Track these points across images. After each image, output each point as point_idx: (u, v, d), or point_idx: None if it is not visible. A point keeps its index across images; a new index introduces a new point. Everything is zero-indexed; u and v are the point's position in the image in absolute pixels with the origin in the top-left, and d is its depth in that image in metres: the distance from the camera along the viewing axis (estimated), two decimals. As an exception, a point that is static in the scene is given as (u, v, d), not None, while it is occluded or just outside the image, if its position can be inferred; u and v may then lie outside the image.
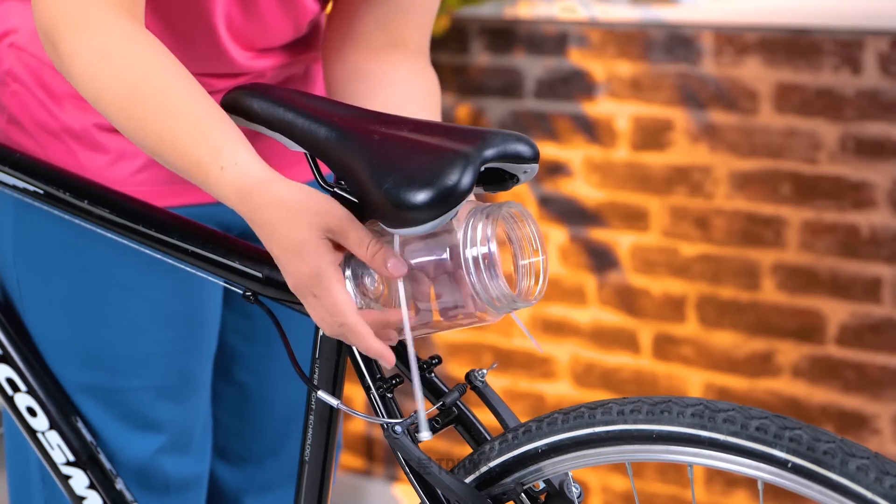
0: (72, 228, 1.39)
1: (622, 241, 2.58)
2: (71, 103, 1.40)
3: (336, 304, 1.14)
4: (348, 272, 1.16)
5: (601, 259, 2.60)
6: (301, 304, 1.28)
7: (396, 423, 1.17)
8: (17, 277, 1.46)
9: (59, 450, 1.44)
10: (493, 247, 1.11)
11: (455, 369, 2.73)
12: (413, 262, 1.14)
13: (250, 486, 1.65)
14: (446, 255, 1.13)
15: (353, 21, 1.41)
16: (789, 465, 1.03)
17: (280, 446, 1.63)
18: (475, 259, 1.11)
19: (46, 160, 1.41)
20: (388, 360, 1.15)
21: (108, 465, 1.46)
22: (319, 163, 1.21)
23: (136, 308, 1.44)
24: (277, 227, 1.14)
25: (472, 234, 1.11)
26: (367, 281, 1.16)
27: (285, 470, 1.62)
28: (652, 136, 2.53)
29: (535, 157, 1.15)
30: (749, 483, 2.51)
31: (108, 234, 1.37)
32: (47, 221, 1.41)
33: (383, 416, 1.21)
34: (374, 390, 1.21)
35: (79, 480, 1.45)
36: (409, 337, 1.13)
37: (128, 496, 1.46)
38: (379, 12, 1.40)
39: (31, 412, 1.45)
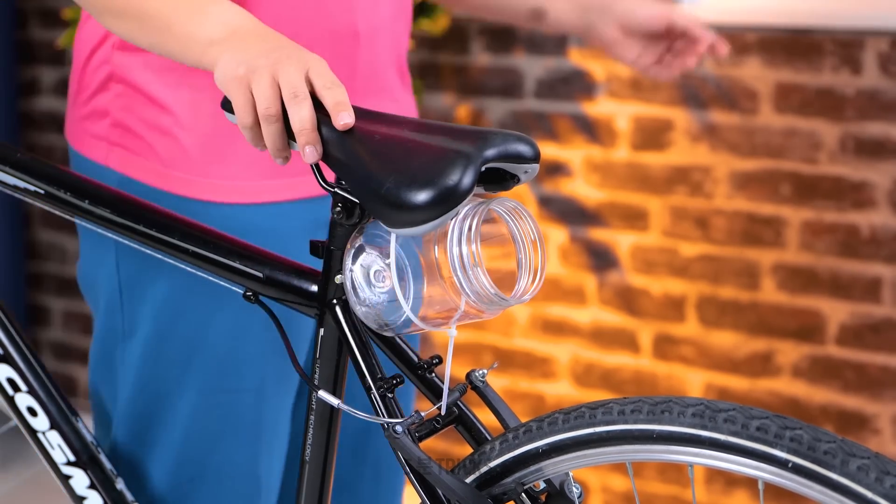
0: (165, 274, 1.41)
1: (622, 241, 2.58)
2: (175, 108, 1.41)
3: (315, 63, 1.16)
4: (357, 263, 1.17)
5: (601, 259, 2.60)
6: (302, 305, 1.28)
7: (397, 423, 1.17)
8: (119, 282, 1.47)
9: (59, 450, 1.44)
10: (476, 246, 1.11)
11: (455, 369, 2.73)
12: (408, 258, 1.14)
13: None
14: (436, 253, 1.13)
15: None
16: (790, 465, 1.03)
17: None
18: (459, 256, 1.11)
19: (154, 158, 1.42)
20: (314, 154, 1.15)
21: (108, 465, 1.46)
22: (320, 162, 1.21)
23: (242, 306, 1.43)
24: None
25: (458, 232, 1.11)
26: (373, 273, 1.16)
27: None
28: (652, 136, 2.53)
29: (535, 157, 1.15)
30: (749, 483, 2.51)
31: (109, 235, 1.37)
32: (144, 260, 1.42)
33: (384, 416, 1.21)
34: (374, 390, 1.21)
35: (79, 480, 1.45)
36: (414, 319, 1.14)
37: (128, 496, 1.46)
38: None
39: (32, 412, 1.45)
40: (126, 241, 1.36)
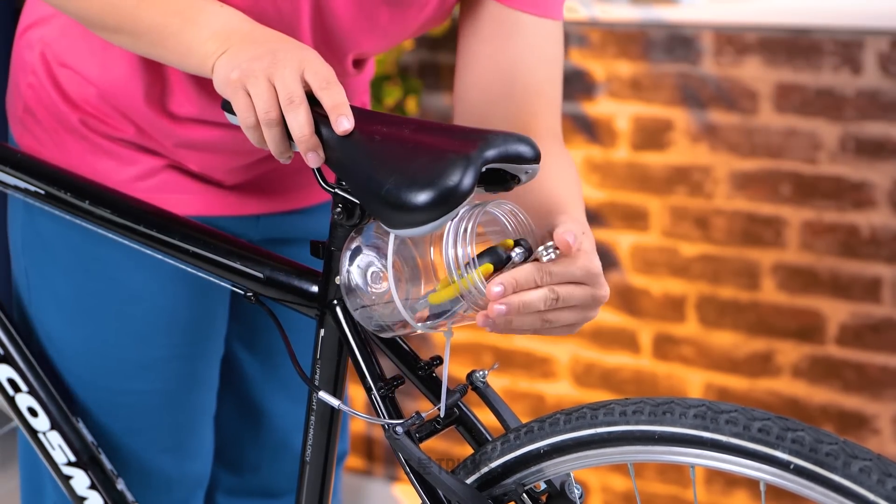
0: (77, 228, 1.40)
1: (622, 241, 2.58)
2: (84, 109, 1.40)
3: (313, 61, 1.15)
4: (355, 264, 1.16)
5: (601, 259, 2.59)
6: (302, 306, 1.28)
7: (397, 424, 1.17)
8: (26, 267, 1.46)
9: (60, 450, 1.44)
10: (472, 248, 1.11)
11: (455, 370, 2.73)
12: (405, 259, 1.14)
13: (247, 492, 1.65)
14: (432, 255, 1.13)
15: (481, 120, 1.35)
16: (791, 466, 1.03)
17: (278, 456, 1.63)
18: (455, 258, 1.11)
19: (58, 152, 1.42)
20: (316, 158, 1.15)
21: (108, 466, 1.46)
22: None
23: (143, 313, 1.44)
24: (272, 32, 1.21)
25: (454, 234, 1.11)
26: (370, 275, 1.16)
27: (283, 480, 1.62)
28: (652, 136, 2.53)
29: (536, 158, 1.15)
30: (749, 483, 2.50)
31: (110, 235, 1.37)
32: (54, 217, 1.41)
33: (384, 417, 1.21)
34: (375, 391, 1.21)
35: (80, 481, 1.45)
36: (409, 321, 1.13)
37: (129, 496, 1.46)
38: (504, 108, 1.35)
39: (33, 412, 1.45)
40: (127, 242, 1.36)
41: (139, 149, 1.42)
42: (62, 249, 1.43)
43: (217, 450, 1.63)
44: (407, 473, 1.19)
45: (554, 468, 1.15)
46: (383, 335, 1.20)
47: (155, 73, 1.36)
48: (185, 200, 1.43)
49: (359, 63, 1.46)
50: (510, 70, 1.34)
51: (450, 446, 2.52)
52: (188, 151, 1.41)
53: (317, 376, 1.26)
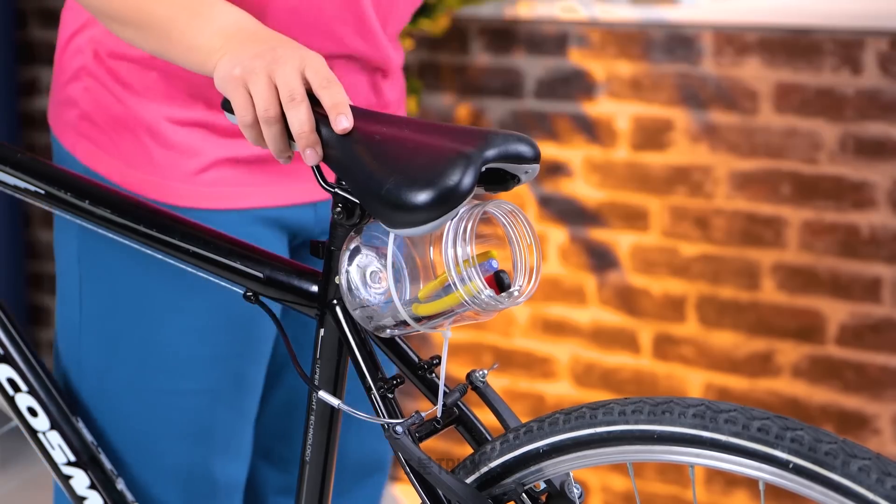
0: (133, 255, 1.40)
1: (622, 241, 2.58)
2: (147, 96, 1.41)
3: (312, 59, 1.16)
4: (354, 264, 1.17)
5: (601, 259, 2.60)
6: (302, 305, 1.28)
7: (397, 424, 1.17)
8: (80, 274, 1.46)
9: (59, 450, 1.44)
10: (471, 248, 1.11)
11: (455, 370, 2.73)
12: (404, 259, 1.14)
13: (293, 487, 1.64)
14: (431, 254, 1.13)
15: None
16: (791, 465, 1.03)
17: None
18: (454, 257, 1.11)
19: (118, 153, 1.42)
20: (314, 156, 1.16)
21: (108, 466, 1.46)
22: (320, 163, 1.21)
23: (204, 309, 1.43)
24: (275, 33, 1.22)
25: (453, 233, 1.11)
26: (369, 274, 1.16)
27: None
28: (652, 136, 2.53)
29: (536, 158, 1.15)
30: (749, 483, 2.51)
31: (110, 235, 1.37)
32: (110, 241, 1.41)
33: (384, 417, 1.21)
34: (374, 391, 1.21)
35: (80, 481, 1.45)
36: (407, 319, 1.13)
37: (129, 496, 1.46)
38: None
39: (32, 412, 1.45)
40: (127, 242, 1.36)
41: (206, 132, 1.41)
42: (120, 251, 1.42)
43: (266, 449, 1.62)
44: (407, 473, 1.19)
45: (553, 468, 1.15)
46: (383, 335, 1.20)
47: None
48: (242, 193, 1.43)
49: (386, 74, 1.48)
50: None
51: (450, 446, 2.52)
52: None
53: (317, 376, 1.26)
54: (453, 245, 1.11)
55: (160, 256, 1.35)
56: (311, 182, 1.46)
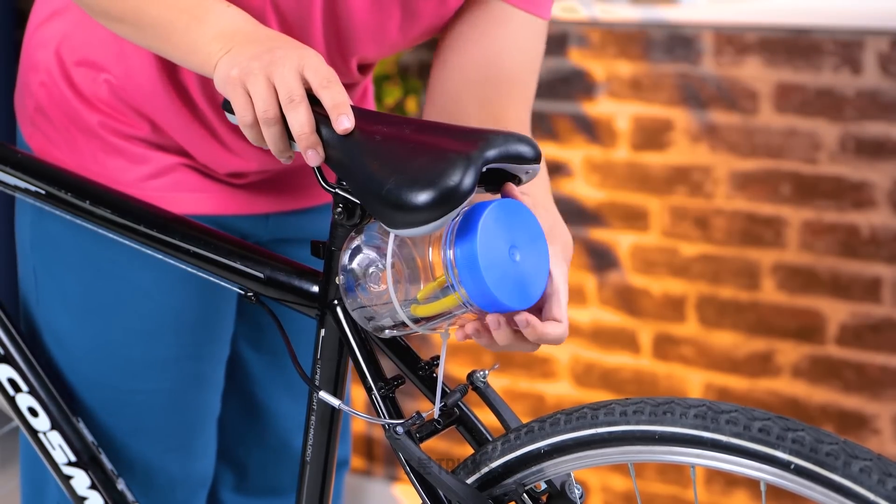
0: (86, 227, 1.40)
1: (622, 241, 2.58)
2: (94, 106, 1.40)
3: (312, 58, 1.15)
4: (354, 264, 1.16)
5: (601, 259, 2.60)
6: (302, 306, 1.28)
7: (398, 424, 1.17)
8: (34, 266, 1.46)
9: (60, 450, 1.44)
10: (470, 248, 1.10)
11: (456, 370, 2.73)
12: (404, 259, 1.14)
13: (252, 491, 1.65)
14: (430, 255, 1.13)
15: (454, 102, 1.37)
16: (792, 466, 1.03)
17: (282, 455, 1.63)
18: (453, 258, 1.11)
19: (69, 152, 1.42)
20: (316, 157, 1.15)
21: (109, 466, 1.46)
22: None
23: (151, 312, 1.44)
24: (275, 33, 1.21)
25: (451, 234, 1.11)
26: (369, 275, 1.16)
27: (288, 478, 1.62)
28: (652, 136, 2.53)
29: (536, 158, 1.15)
30: (749, 483, 2.51)
31: (110, 235, 1.37)
32: (63, 217, 1.41)
33: (385, 417, 1.21)
34: (375, 391, 1.21)
35: (80, 481, 1.45)
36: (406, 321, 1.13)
37: (129, 496, 1.46)
38: (480, 91, 1.36)
39: (33, 412, 1.45)
40: (128, 242, 1.36)
41: (152, 146, 1.42)
42: (71, 248, 1.43)
43: (222, 449, 1.63)
44: (407, 473, 1.19)
45: (554, 468, 1.15)
46: (382, 335, 1.20)
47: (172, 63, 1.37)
48: (196, 199, 1.43)
49: (364, 69, 1.46)
50: (492, 56, 1.36)
51: (450, 446, 2.52)
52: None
53: (317, 376, 1.26)
54: (452, 246, 1.10)
55: (160, 256, 1.35)
56: (268, 195, 1.47)
